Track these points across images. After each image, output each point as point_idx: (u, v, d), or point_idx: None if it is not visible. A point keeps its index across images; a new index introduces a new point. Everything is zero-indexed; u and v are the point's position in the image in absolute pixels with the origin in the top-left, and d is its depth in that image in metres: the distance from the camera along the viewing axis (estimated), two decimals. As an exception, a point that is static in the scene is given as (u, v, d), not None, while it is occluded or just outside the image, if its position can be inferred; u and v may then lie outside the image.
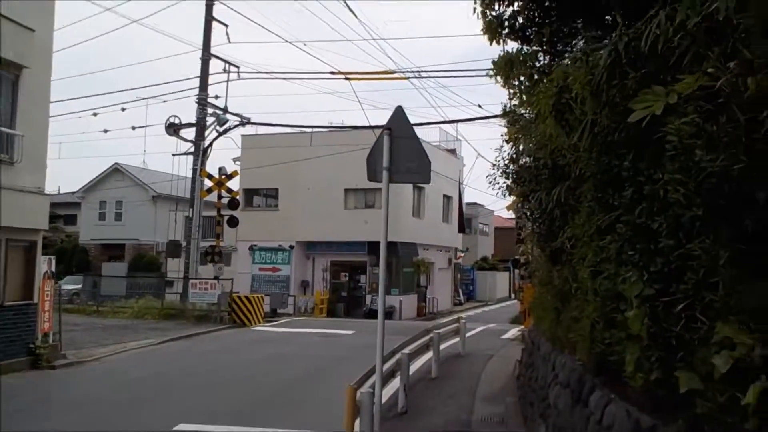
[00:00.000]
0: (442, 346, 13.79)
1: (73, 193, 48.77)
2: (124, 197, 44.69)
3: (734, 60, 2.62)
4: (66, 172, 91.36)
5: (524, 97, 6.86)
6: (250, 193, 35.04)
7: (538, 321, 9.59)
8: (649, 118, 3.24)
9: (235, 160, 35.05)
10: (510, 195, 11.79)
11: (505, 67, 6.91)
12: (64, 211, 51.81)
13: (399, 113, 7.31)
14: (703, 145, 2.62)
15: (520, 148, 8.63)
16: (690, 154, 2.70)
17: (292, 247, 32.83)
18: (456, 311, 38.60)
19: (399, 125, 7.20)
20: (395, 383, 9.97)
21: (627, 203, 3.55)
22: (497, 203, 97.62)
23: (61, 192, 52.13)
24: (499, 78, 7.05)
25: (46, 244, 44.78)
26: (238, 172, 23.31)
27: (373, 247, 31.59)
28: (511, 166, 8.98)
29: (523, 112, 8.36)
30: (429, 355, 13.09)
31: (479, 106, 59.49)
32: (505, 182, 9.63)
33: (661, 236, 2.87)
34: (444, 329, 14.73)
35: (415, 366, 12.46)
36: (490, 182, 9.42)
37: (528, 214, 8.99)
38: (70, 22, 38.21)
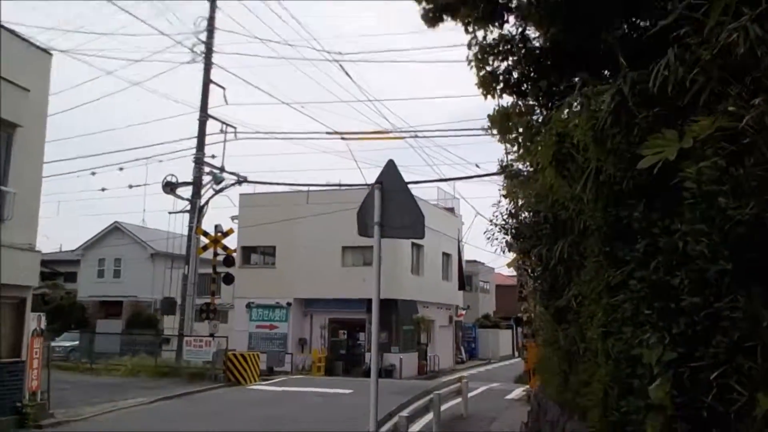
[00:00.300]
0: (443, 407, 13.27)
1: (73, 251, 48.55)
2: (122, 255, 44.52)
3: (759, 96, 2.37)
4: (66, 230, 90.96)
5: (522, 149, 6.61)
6: (247, 251, 34.73)
7: (544, 383, 9.18)
8: (660, 164, 2.97)
9: (233, 218, 34.81)
10: (509, 251, 11.49)
11: (501, 121, 6.72)
12: (64, 268, 51.63)
13: (390, 167, 7.05)
14: (728, 191, 2.34)
15: (519, 202, 8.38)
16: (712, 201, 2.42)
17: (289, 304, 32.37)
18: (458, 369, 37.85)
19: (391, 179, 6.94)
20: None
21: (640, 257, 3.25)
22: (497, 260, 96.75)
23: (63, 250, 51.95)
24: (495, 132, 6.83)
25: (46, 300, 44.94)
26: (234, 230, 23.03)
27: (372, 304, 31.10)
28: (510, 222, 8.71)
29: (521, 166, 8.15)
30: (429, 416, 12.57)
31: (477, 165, 59.82)
32: (504, 238, 9.35)
33: (683, 293, 2.56)
34: (445, 389, 14.21)
35: (414, 429, 11.95)
36: (488, 238, 9.12)
37: (529, 271, 8.68)
38: (69, 86, 38.52)
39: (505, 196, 8.63)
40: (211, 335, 22.31)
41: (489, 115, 6.60)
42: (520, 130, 6.46)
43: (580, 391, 6.53)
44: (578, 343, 6.71)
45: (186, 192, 24.68)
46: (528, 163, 7.85)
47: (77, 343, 30.46)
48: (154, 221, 70.31)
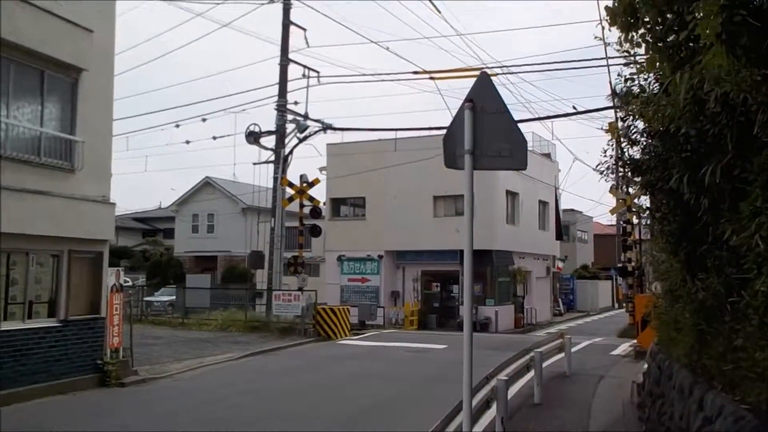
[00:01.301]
0: (544, 364, 12.04)
1: (167, 207, 49.63)
2: (215, 210, 45.03)
3: None
4: (159, 184, 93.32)
5: (652, 50, 5.15)
6: (336, 203, 34.11)
7: (666, 342, 7.80)
8: None
9: (321, 169, 34.26)
10: (627, 188, 10.04)
11: (624, 14, 5.24)
12: (163, 225, 53.11)
13: (484, 81, 5.69)
14: None
15: (640, 125, 6.89)
16: None
17: (381, 256, 31.63)
18: (556, 322, 36.38)
19: (484, 96, 5.59)
20: (491, 412, 8.36)
21: None
22: (596, 209, 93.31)
23: (162, 206, 53.33)
24: (615, 28, 5.37)
25: (146, 257, 46.18)
26: (321, 180, 22.18)
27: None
28: (629, 151, 7.26)
29: (644, 81, 6.65)
30: (530, 375, 11.37)
31: (573, 107, 56.68)
32: (620, 173, 7.90)
33: None
34: (546, 346, 12.95)
35: (514, 388, 10.80)
36: (601, 173, 7.67)
37: (653, 209, 7.23)
38: (150, 35, 38.41)
39: (622, 119, 7.15)
40: (300, 289, 21.75)
41: (607, 7, 5.14)
42: (650, 25, 4.98)
43: (728, 357, 5.19)
44: (723, 297, 5.35)
45: (270, 142, 24.05)
46: (658, 73, 6.36)
47: (174, 297, 30.83)
48: (245, 174, 70.92)
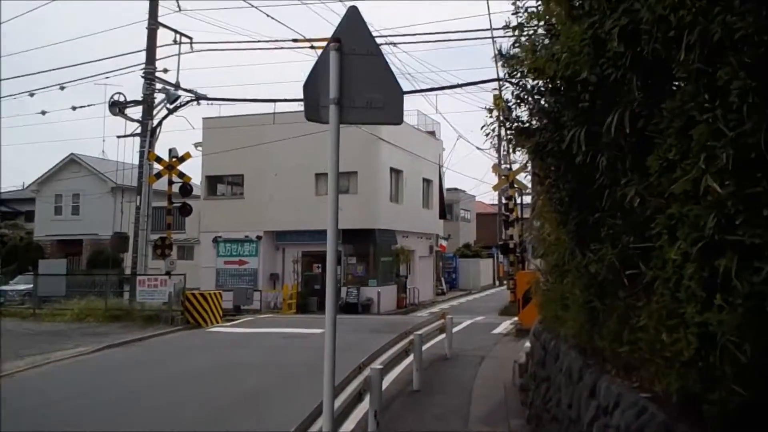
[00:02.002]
0: (425, 347, 11.36)
1: (26, 187, 45.76)
2: (81, 189, 41.80)
3: None
4: (21, 161, 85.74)
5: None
6: (213, 181, 32.36)
7: (552, 320, 7.19)
8: None
9: (196, 145, 32.33)
10: (510, 164, 9.40)
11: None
12: (26, 207, 48.67)
13: (353, 17, 4.70)
14: None
15: (530, 82, 6.14)
16: None
17: (259, 237, 30.27)
18: (439, 301, 36.35)
19: (354, 35, 4.62)
20: (366, 404, 7.49)
21: None
22: (479, 188, 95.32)
23: (26, 186, 48.95)
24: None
25: (4, 242, 42.26)
26: (192, 155, 20.64)
27: (348, 235, 29.11)
28: (518, 111, 6.50)
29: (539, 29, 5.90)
30: (409, 359, 10.64)
31: (459, 86, 57.10)
32: (507, 138, 7.18)
33: None
34: (427, 328, 12.27)
35: (392, 375, 10.04)
36: (486, 135, 6.93)
37: (541, 176, 6.53)
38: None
39: (509, 75, 6.37)
40: (168, 273, 20.14)
41: None
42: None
43: (624, 338, 4.53)
44: (620, 269, 4.68)
45: (137, 113, 22.11)
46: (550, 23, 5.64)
47: (31, 286, 28.16)
48: (116, 151, 65.89)
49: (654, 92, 3.77)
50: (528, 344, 14.91)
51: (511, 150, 7.79)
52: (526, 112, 6.50)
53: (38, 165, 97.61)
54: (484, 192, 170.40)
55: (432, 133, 39.77)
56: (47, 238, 41.76)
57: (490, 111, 7.90)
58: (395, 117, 4.74)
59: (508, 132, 7.17)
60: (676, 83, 3.92)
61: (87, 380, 12.15)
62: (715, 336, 2.53)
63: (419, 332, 11.00)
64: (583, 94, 4.52)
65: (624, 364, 4.59)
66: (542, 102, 6.07)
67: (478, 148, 63.57)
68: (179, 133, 61.36)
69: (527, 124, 6.36)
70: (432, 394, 9.96)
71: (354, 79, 4.59)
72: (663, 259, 3.41)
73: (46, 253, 39.59)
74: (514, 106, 6.54)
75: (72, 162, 42.13)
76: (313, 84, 4.67)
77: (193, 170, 46.81)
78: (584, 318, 5.69)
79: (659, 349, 3.47)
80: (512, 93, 6.44)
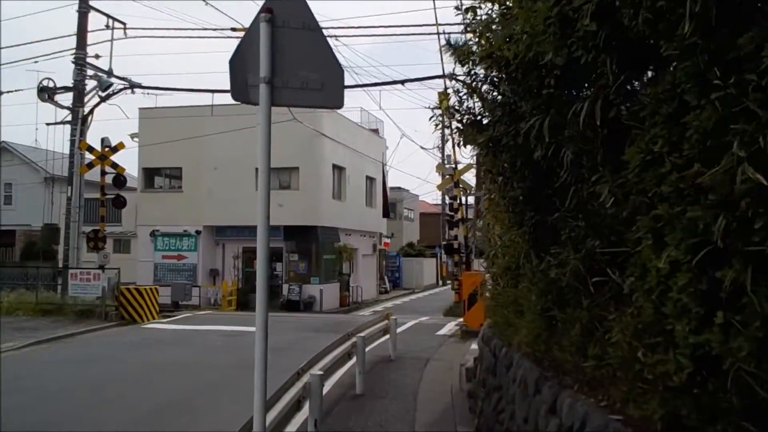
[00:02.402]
0: (368, 348, 10.91)
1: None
2: (13, 179, 39.96)
3: None
4: None
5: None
6: (150, 173, 31.24)
7: (503, 326, 6.84)
8: None
9: (132, 136, 31.17)
10: (455, 163, 9.07)
11: None
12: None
13: (287, -18, 4.21)
14: None
15: (481, 72, 5.76)
16: None
17: (198, 232, 29.36)
18: (382, 300, 36.04)
19: (288, 6, 4.12)
20: (305, 411, 7.01)
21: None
22: (423, 187, 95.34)
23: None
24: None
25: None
26: (125, 145, 19.67)
27: (290, 232, 28.54)
28: (470, 102, 6.12)
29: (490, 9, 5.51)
30: (351, 362, 10.18)
31: (402, 83, 57.04)
32: (457, 128, 6.79)
33: None
34: (371, 329, 11.84)
35: (333, 378, 9.56)
36: (436, 125, 6.55)
37: (493, 173, 6.17)
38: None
39: (460, 63, 5.96)
40: (101, 267, 19.18)
41: None
42: None
43: (590, 352, 4.19)
44: (585, 276, 4.34)
45: (68, 100, 20.99)
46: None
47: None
48: (47, 140, 62.99)
49: (632, 76, 3.42)
50: (474, 346, 14.67)
51: (460, 145, 7.40)
52: (478, 104, 6.15)
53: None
54: (428, 192, 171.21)
55: (375, 131, 39.41)
56: (-24, 228, 39.79)
57: (435, 108, 7.57)
58: (335, 99, 4.26)
59: (458, 126, 6.80)
60: (652, 69, 3.58)
61: (9, 379, 11.28)
62: (719, 361, 2.14)
63: (362, 333, 10.55)
64: (548, 79, 4.14)
65: (588, 379, 4.25)
66: (496, 93, 5.71)
67: (422, 148, 63.62)
68: (113, 122, 58.96)
69: (479, 117, 5.99)
70: (376, 398, 9.55)
71: (288, 55, 4.10)
72: (642, 266, 3.04)
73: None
74: (465, 97, 6.17)
75: (3, 150, 40.23)
76: (241, 60, 4.17)
77: (130, 162, 45.38)
78: (541, 326, 5.35)
79: (637, 369, 3.11)
80: (462, 83, 6.06)
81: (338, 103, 4.27)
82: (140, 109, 30.73)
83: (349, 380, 10.12)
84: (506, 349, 6.72)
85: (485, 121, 5.77)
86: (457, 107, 6.42)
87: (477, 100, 5.99)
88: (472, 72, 5.89)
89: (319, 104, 4.36)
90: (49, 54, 22.45)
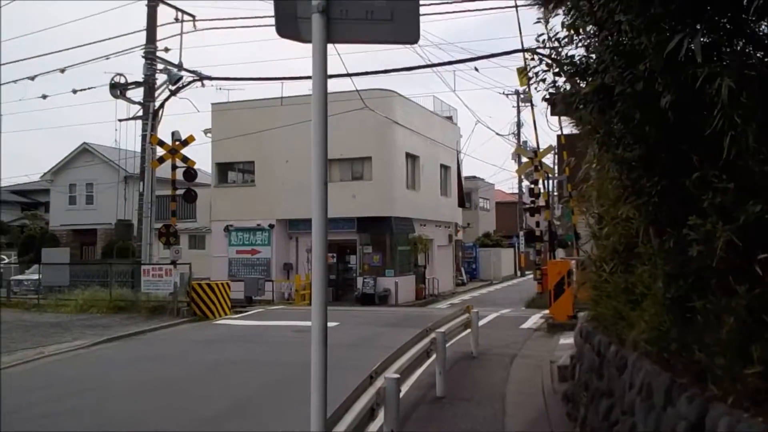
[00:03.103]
0: (448, 343, 9.92)
1: (41, 177, 44.92)
2: (94, 179, 41.00)
3: None
4: (36, 150, 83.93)
5: None
6: (223, 168, 31.09)
7: (612, 320, 5.76)
8: None
9: (205, 131, 31.15)
10: (556, 113, 8.28)
11: None
12: (45, 197, 47.92)
13: None
14: None
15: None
16: None
17: (272, 226, 28.99)
18: (459, 292, 34.96)
19: None
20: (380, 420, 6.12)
21: None
22: (498, 175, 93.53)
23: (41, 177, 48.02)
24: None
25: (23, 231, 41.37)
26: (195, 138, 19.26)
27: (363, 223, 27.82)
28: (568, 50, 5.05)
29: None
30: (431, 359, 9.22)
31: (476, 69, 54.98)
32: (548, 91, 5.74)
33: None
34: (450, 324, 10.85)
35: (411, 379, 8.63)
36: (530, 79, 5.51)
37: (602, 131, 5.07)
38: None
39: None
40: (173, 262, 18.87)
41: None
42: None
43: (755, 355, 3.14)
44: (744, 253, 3.28)
45: (138, 95, 20.81)
46: None
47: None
48: (123, 137, 63.95)
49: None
50: (563, 341, 13.50)
51: (548, 116, 6.33)
52: (580, 52, 5.08)
53: (47, 153, 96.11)
54: (503, 180, 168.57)
55: (449, 118, 38.26)
56: (62, 227, 41.21)
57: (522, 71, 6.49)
58: (408, 33, 3.25)
59: (549, 91, 5.78)
60: None
61: (76, 378, 10.90)
62: None
63: (442, 329, 9.58)
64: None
65: (751, 390, 3.17)
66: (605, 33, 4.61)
67: (497, 134, 61.88)
68: (184, 116, 59.16)
69: (583, 62, 4.92)
70: (458, 402, 8.57)
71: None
72: None
73: (61, 243, 38.70)
74: (564, 41, 5.11)
75: (85, 151, 41.34)
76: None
77: (203, 158, 45.77)
78: (669, 320, 4.27)
79: None
80: (562, 24, 5.00)
81: (413, 37, 3.28)
82: (212, 104, 30.67)
83: (429, 380, 9.18)
84: (616, 347, 5.64)
85: (591, 68, 4.70)
86: (549, 63, 5.39)
87: (579, 43, 4.93)
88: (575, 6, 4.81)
89: (389, 39, 3.36)
90: (122, 51, 22.17)
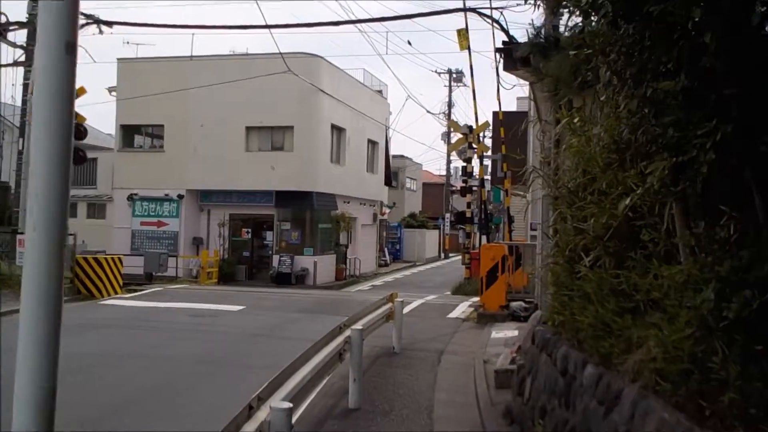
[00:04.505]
0: (366, 337, 8.18)
1: None
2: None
3: None
4: None
5: None
6: (129, 131, 28.32)
7: (595, 332, 4.14)
8: None
9: (109, 90, 28.38)
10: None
11: None
12: None
13: None
14: None
15: None
16: None
17: (181, 196, 26.56)
18: (381, 273, 33.50)
19: None
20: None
21: None
22: (425, 154, 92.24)
23: None
24: None
25: None
26: (86, 90, 16.70)
27: (282, 197, 25.85)
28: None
29: None
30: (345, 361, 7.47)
31: (409, 42, 53.29)
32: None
33: None
34: (370, 316, 9.12)
35: (318, 385, 6.86)
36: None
37: (614, 55, 3.39)
38: None
39: None
40: (57, 232, 16.40)
41: None
42: None
43: None
44: None
45: (22, 38, 18.07)
46: None
47: None
48: (8, 90, 58.91)
49: None
50: (495, 334, 12.02)
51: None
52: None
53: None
54: (431, 159, 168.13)
55: (379, 92, 36.46)
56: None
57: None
58: None
59: None
60: None
61: None
62: None
63: (359, 324, 7.86)
64: None
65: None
66: None
67: (428, 111, 60.64)
68: (80, 69, 54.50)
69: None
70: (375, 415, 6.88)
71: None
72: None
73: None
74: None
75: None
76: None
77: (107, 119, 42.64)
78: (721, 351, 2.65)
79: None
80: None
81: None
82: (119, 59, 27.84)
83: (340, 385, 7.46)
84: (597, 369, 4.03)
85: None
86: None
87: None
88: None
89: None
90: None
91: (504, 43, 8.20)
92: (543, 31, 6.52)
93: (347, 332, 7.28)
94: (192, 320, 12.99)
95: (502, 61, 8.70)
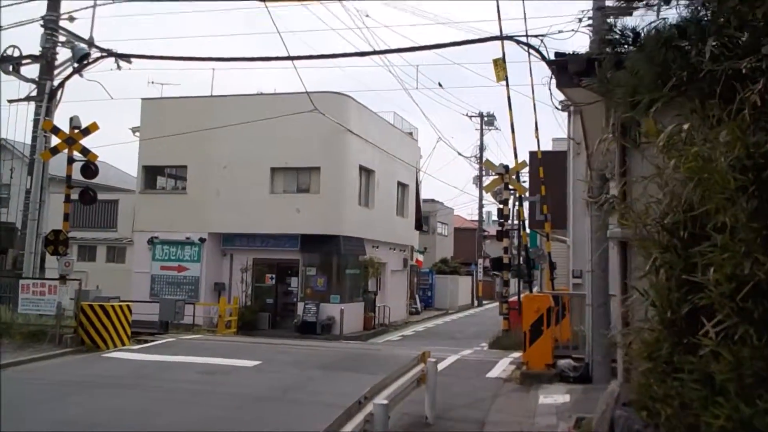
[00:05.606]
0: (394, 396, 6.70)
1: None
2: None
3: None
4: None
5: None
6: (151, 172, 27.45)
7: (693, 420, 2.70)
8: None
9: (133, 130, 27.63)
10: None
11: None
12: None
13: None
14: None
15: None
16: None
17: (203, 240, 25.44)
18: (412, 322, 31.83)
19: None
20: None
21: None
22: (457, 199, 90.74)
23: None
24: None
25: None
26: (98, 126, 15.63)
27: (308, 241, 24.57)
28: None
29: None
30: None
31: (439, 84, 52.32)
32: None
33: None
34: (400, 381, 7.62)
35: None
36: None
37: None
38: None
39: None
40: (62, 277, 15.26)
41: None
42: None
43: None
44: None
45: (34, 72, 17.21)
46: None
47: None
48: (19, 126, 59.01)
49: None
50: (543, 399, 10.41)
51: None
52: None
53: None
54: (462, 204, 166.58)
55: (410, 135, 35.33)
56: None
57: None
58: None
59: None
60: None
61: None
62: None
63: (384, 395, 6.39)
64: None
65: None
66: None
67: (459, 154, 59.54)
68: (99, 107, 53.31)
69: None
70: None
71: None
72: None
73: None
74: None
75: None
76: None
77: (130, 160, 42.19)
78: None
79: None
80: None
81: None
82: (143, 99, 27.18)
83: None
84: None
85: None
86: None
87: None
88: None
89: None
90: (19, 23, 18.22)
91: (557, 54, 6.78)
92: (616, 26, 5.18)
93: (369, 408, 5.82)
94: (199, 378, 11.58)
95: (553, 78, 7.31)
